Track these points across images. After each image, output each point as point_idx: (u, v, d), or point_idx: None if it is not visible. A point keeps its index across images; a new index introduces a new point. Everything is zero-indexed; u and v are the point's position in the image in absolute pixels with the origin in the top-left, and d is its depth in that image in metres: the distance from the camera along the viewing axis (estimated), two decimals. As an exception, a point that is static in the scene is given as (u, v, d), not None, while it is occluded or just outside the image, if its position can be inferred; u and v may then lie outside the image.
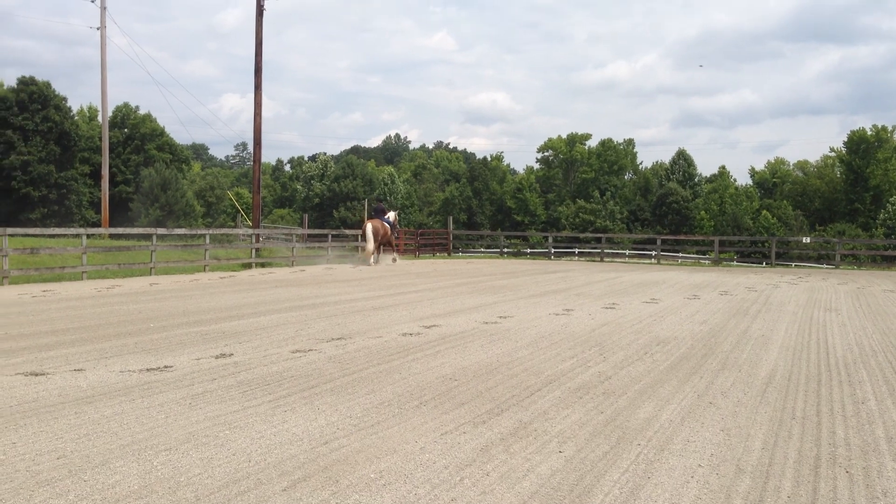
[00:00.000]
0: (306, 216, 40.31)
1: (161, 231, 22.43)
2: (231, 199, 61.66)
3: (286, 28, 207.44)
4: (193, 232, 26.99)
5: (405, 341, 8.89)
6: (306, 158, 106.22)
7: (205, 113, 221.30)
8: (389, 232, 26.94)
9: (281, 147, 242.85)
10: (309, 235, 33.16)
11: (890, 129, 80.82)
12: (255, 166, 28.02)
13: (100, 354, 7.86)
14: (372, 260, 25.98)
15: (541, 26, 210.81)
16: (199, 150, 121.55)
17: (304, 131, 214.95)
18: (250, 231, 26.42)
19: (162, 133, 71.15)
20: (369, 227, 25.61)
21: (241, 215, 40.75)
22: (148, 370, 7.05)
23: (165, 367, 7.22)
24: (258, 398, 6.02)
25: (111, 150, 54.13)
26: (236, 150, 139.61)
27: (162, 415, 5.50)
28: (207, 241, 23.31)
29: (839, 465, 4.62)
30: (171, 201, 60.28)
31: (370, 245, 25.38)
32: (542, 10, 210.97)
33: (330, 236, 30.80)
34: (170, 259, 22.20)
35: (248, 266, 23.83)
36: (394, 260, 28.03)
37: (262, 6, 26.80)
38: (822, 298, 15.52)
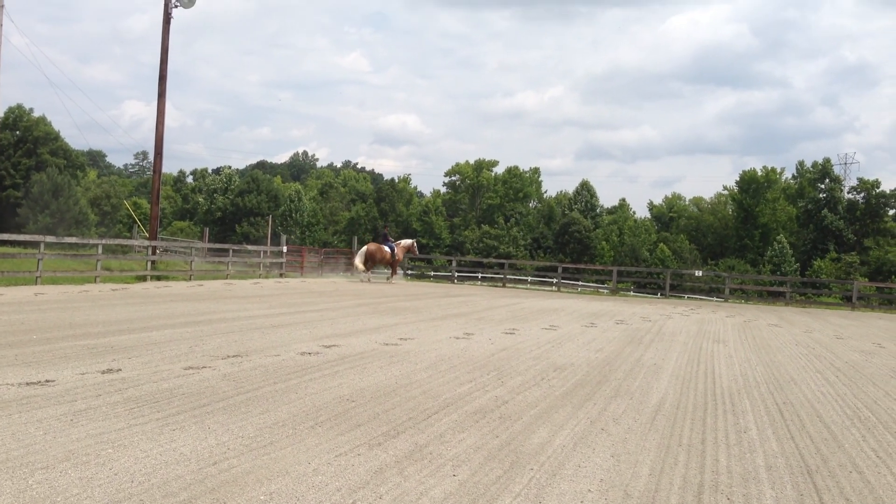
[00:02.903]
0: (207, 230, 39.27)
1: (50, 239, 21.42)
2: (128, 209, 59.57)
3: (197, 38, 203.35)
4: (85, 241, 25.90)
5: (303, 360, 8.75)
6: (210, 171, 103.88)
7: (104, 119, 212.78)
8: (389, 256, 29.91)
9: (184, 158, 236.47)
10: (209, 249, 32.35)
11: (779, 170, 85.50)
12: (154, 176, 27.20)
13: (-25, 366, 7.41)
14: (362, 277, 29.52)
15: (454, 53, 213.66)
16: (95, 157, 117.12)
17: (209, 143, 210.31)
18: (147, 242, 25.55)
19: (56, 137, 68.33)
20: (363, 249, 29.63)
21: (138, 226, 39.40)
22: (28, 384, 6.69)
23: (47, 381, 6.87)
24: (146, 416, 5.79)
25: (0, 152, 51.49)
26: (136, 158, 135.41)
27: (41, 431, 5.22)
28: (100, 251, 22.42)
29: (721, 491, 4.78)
30: (63, 208, 57.85)
31: (358, 265, 29.30)
32: (456, 38, 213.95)
33: (231, 251, 30.11)
34: (58, 268, 21.22)
35: (142, 279, 23.01)
36: (388, 279, 30.68)
37: (170, 14, 26.17)
38: (712, 330, 16.15)
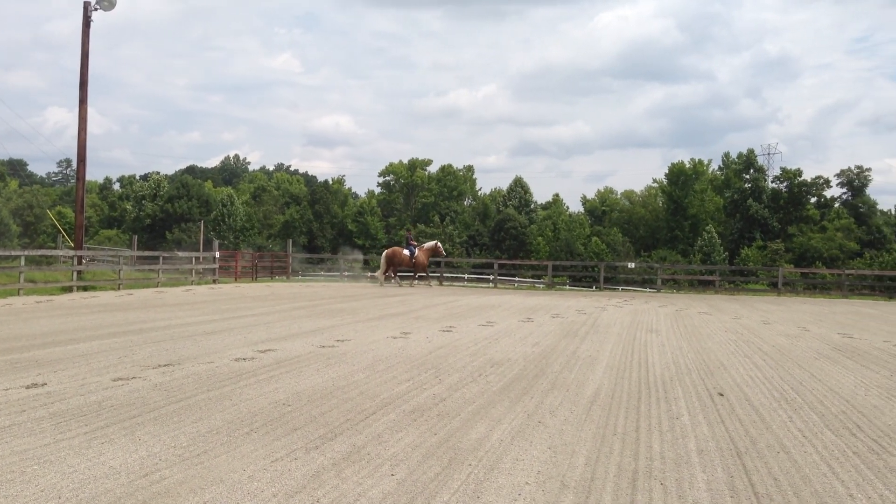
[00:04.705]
0: (136, 237, 38.36)
1: (-31, 251, 20.63)
2: (52, 219, 57.70)
3: (123, 42, 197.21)
4: (7, 253, 24.95)
5: (238, 367, 8.61)
6: (138, 177, 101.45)
7: (25, 127, 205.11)
8: (408, 259, 30.54)
9: (111, 165, 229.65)
10: (138, 257, 31.58)
11: (706, 162, 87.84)
12: (78, 184, 26.39)
13: None
14: (381, 281, 30.45)
15: (386, 53, 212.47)
16: (16, 167, 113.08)
17: (137, 149, 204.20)
18: (72, 252, 24.79)
19: (-26, 147, 65.82)
20: (385, 253, 30.84)
21: (63, 236, 38.21)
22: (-54, 403, 6.42)
23: (-33, 399, 6.60)
24: (73, 430, 5.61)
25: (-87, 163, 49.34)
26: (59, 167, 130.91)
27: (-41, 451, 5.02)
28: (22, 262, 21.68)
29: (655, 477, 4.87)
30: (-17, 220, 55.72)
31: (381, 268, 30.36)
32: (388, 38, 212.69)
33: (161, 258, 29.43)
34: (-21, 282, 20.45)
35: (68, 289, 22.33)
36: (411, 284, 31.71)
37: (90, 17, 25.43)
38: (645, 320, 16.47)
